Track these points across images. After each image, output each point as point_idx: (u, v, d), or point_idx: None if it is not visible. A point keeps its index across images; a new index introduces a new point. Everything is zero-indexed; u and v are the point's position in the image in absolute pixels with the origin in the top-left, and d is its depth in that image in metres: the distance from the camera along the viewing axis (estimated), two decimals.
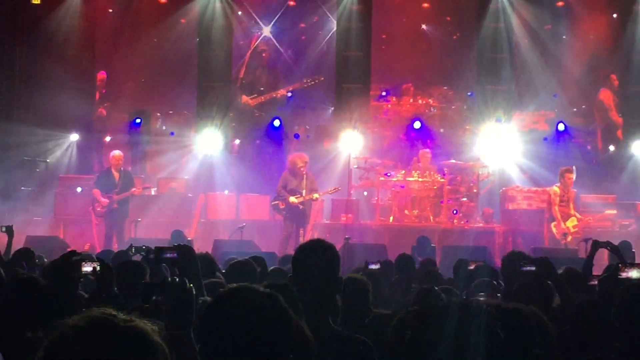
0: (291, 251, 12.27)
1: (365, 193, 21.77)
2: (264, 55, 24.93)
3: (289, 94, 24.68)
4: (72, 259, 5.48)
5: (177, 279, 3.50)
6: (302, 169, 18.63)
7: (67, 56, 22.09)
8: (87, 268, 5.80)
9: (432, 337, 2.99)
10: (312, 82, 24.21)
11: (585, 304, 5.65)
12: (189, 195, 20.77)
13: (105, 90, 24.37)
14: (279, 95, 24.56)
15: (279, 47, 24.97)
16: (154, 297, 3.54)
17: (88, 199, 19.86)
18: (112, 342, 2.25)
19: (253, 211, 20.02)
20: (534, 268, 6.31)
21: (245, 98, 24.02)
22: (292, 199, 18.44)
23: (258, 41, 24.97)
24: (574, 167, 19.09)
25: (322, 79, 24.14)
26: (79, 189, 20.43)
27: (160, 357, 2.32)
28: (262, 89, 24.79)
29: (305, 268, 4.52)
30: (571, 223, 18.45)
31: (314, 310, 4.28)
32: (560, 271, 7.51)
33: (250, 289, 3.10)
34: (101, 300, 5.72)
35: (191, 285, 3.53)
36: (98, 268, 5.78)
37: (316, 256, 4.54)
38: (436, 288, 6.90)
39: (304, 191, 18.50)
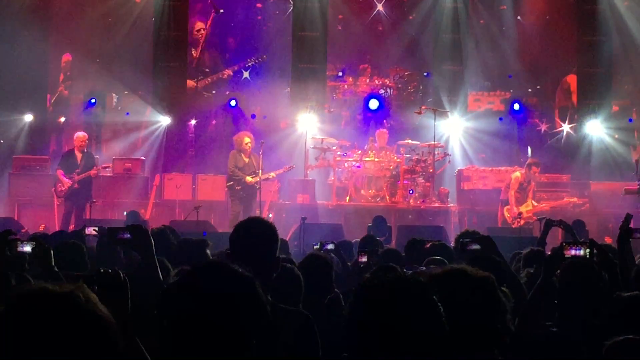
0: None
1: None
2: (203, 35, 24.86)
3: (243, 73, 24.58)
4: (7, 238, 5.41)
5: (110, 270, 3.44)
6: (248, 147, 18.51)
7: (21, 36, 21.81)
8: (25, 248, 5.72)
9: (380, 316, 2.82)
10: (256, 62, 24.15)
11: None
12: (145, 176, 20.64)
13: (70, 72, 24.14)
14: (225, 76, 24.48)
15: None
16: None
17: (43, 180, 19.69)
18: (45, 310, 2.25)
19: (209, 192, 19.92)
20: (478, 247, 6.40)
21: (190, 82, 23.76)
22: (249, 178, 18.33)
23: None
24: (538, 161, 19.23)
25: (265, 57, 24.10)
26: None
27: (94, 322, 2.29)
28: (207, 70, 24.73)
29: (240, 245, 4.44)
30: (525, 208, 18.61)
31: None
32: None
33: (226, 266, 2.87)
34: (40, 277, 5.64)
35: (124, 276, 3.45)
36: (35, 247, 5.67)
37: (252, 234, 4.46)
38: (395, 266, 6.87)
39: (259, 171, 18.41)
